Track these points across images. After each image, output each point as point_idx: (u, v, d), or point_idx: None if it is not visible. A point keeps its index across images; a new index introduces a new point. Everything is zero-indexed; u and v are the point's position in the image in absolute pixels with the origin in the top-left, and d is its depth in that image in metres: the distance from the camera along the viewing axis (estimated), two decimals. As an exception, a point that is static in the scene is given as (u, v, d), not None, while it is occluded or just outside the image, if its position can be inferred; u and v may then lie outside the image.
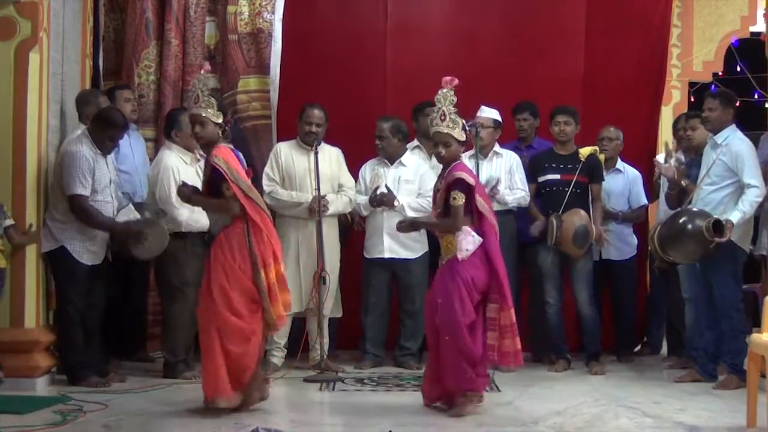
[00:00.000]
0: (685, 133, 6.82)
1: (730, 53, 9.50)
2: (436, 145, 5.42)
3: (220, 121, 5.38)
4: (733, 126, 6.22)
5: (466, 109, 6.94)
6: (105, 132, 5.91)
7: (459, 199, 5.29)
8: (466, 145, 5.66)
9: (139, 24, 7.25)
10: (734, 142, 6.13)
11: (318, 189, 6.42)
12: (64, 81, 6.31)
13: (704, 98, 6.48)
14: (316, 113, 6.62)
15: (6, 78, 5.80)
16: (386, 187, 6.71)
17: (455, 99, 5.37)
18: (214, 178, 5.33)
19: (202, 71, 5.64)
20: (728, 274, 6.14)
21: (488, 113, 6.85)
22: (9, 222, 5.63)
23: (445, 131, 5.34)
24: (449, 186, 5.32)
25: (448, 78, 5.37)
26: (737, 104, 10.14)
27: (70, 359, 5.94)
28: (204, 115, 5.32)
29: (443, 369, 5.33)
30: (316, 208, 6.43)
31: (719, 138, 6.17)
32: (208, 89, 5.54)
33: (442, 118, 5.34)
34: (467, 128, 5.49)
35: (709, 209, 6.05)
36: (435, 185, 5.61)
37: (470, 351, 5.26)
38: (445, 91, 5.36)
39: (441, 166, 5.53)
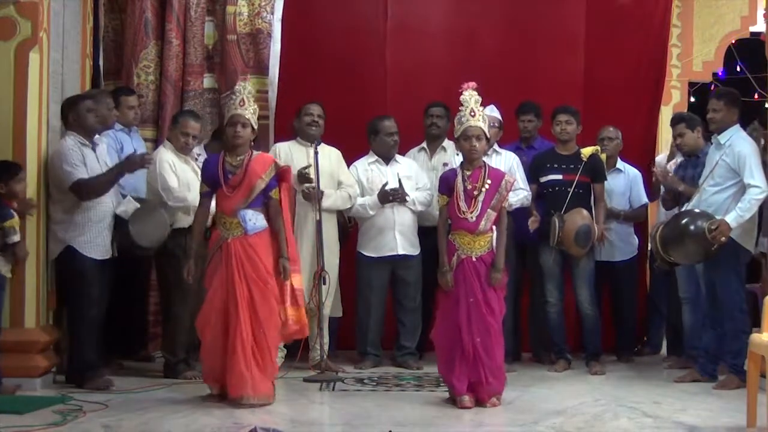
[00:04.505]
0: (675, 142, 6.83)
1: (730, 53, 9.50)
2: (468, 138, 5.55)
3: (255, 126, 5.72)
4: (737, 126, 6.20)
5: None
6: (80, 108, 5.91)
7: (510, 201, 5.94)
8: (491, 143, 6.04)
9: (138, 24, 7.25)
10: (737, 142, 6.10)
11: (317, 182, 6.41)
12: (64, 81, 6.31)
13: (708, 98, 6.42)
14: (316, 107, 6.71)
15: (6, 78, 5.80)
16: (399, 182, 6.73)
17: (480, 98, 5.59)
18: (272, 183, 5.66)
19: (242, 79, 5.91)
20: (731, 274, 6.13)
21: (494, 112, 6.86)
22: (16, 238, 5.56)
23: (480, 125, 5.57)
24: (508, 187, 5.64)
25: (468, 84, 5.61)
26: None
27: (78, 360, 5.93)
28: (247, 117, 5.62)
29: (494, 370, 5.52)
30: (309, 190, 6.44)
31: (722, 138, 6.15)
32: (253, 95, 5.79)
33: (473, 114, 5.56)
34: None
35: (712, 210, 6.04)
36: (454, 182, 5.63)
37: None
38: (469, 91, 5.58)
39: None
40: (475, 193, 5.56)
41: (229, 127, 5.64)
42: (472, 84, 5.62)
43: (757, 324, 5.78)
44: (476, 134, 5.54)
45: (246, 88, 5.71)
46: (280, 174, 5.74)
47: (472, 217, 5.56)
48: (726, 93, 6.36)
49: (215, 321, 5.56)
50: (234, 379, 5.44)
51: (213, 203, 5.77)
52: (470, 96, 5.57)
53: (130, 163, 6.00)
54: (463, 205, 5.57)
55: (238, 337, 5.46)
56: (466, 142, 5.58)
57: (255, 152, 5.74)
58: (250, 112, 5.65)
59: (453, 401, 5.51)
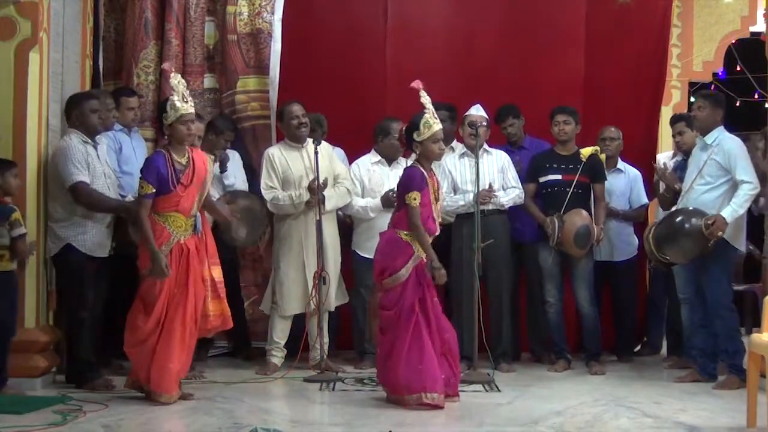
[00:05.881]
0: (675, 140, 6.88)
1: (730, 53, 9.50)
2: (438, 141, 5.65)
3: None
4: (722, 127, 6.26)
5: (466, 109, 6.96)
6: (84, 107, 5.90)
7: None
8: None
9: (138, 24, 7.24)
10: (725, 141, 6.18)
11: (317, 182, 6.40)
12: (64, 81, 6.31)
13: (695, 96, 6.56)
14: (297, 107, 6.66)
15: (6, 78, 5.80)
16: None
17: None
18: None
19: (170, 71, 5.77)
20: (720, 273, 6.16)
21: (480, 111, 6.86)
22: (21, 231, 5.56)
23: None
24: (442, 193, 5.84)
25: (417, 84, 5.70)
26: (737, 104, 10.20)
27: (77, 361, 5.92)
28: (194, 113, 5.67)
29: (455, 361, 5.62)
30: (313, 201, 6.43)
31: (709, 139, 6.22)
32: (187, 87, 5.78)
33: (435, 117, 5.65)
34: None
35: (704, 209, 6.07)
36: (428, 184, 5.64)
37: None
38: (424, 94, 5.67)
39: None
40: (436, 197, 5.66)
41: (180, 125, 5.58)
42: (420, 84, 5.67)
43: (757, 324, 5.78)
44: (443, 137, 5.68)
45: (181, 82, 5.65)
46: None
47: (438, 219, 5.68)
48: (710, 95, 6.49)
49: (160, 322, 5.51)
50: (168, 375, 5.44)
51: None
52: (426, 99, 5.63)
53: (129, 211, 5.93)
54: (435, 206, 5.65)
55: (185, 334, 5.49)
56: (435, 145, 5.62)
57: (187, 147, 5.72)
58: (193, 106, 5.66)
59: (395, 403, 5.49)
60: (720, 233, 5.92)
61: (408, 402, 5.40)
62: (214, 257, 5.74)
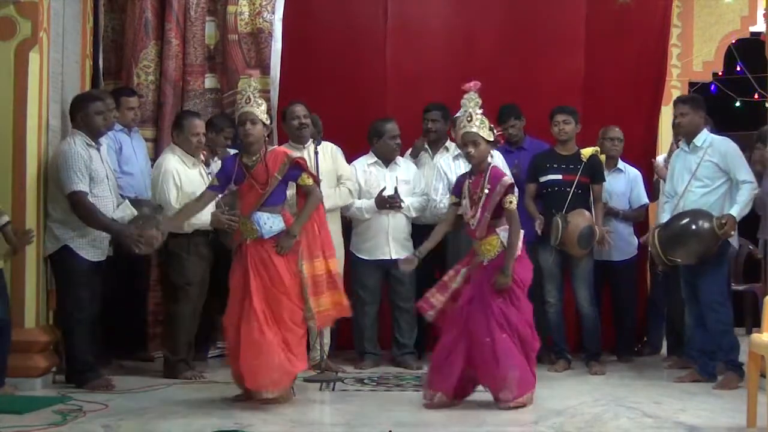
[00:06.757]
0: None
1: (730, 53, 9.50)
2: (465, 145, 5.53)
3: (267, 122, 5.65)
4: (706, 129, 6.30)
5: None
6: (90, 109, 5.90)
7: (515, 201, 5.54)
8: (496, 145, 5.99)
9: (138, 24, 7.25)
10: (717, 142, 6.22)
11: (317, 184, 6.39)
12: (64, 81, 6.31)
13: (674, 104, 6.59)
14: (299, 108, 6.67)
15: (6, 78, 5.80)
16: (395, 189, 6.73)
17: (480, 101, 5.53)
18: (291, 175, 5.58)
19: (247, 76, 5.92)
20: (718, 271, 6.20)
21: None
22: (5, 219, 5.59)
23: (474, 131, 5.48)
24: (506, 191, 5.51)
25: (469, 84, 5.53)
26: (737, 104, 10.19)
27: (76, 361, 5.92)
28: (256, 113, 5.54)
29: (499, 377, 5.41)
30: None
31: (698, 141, 6.25)
32: (258, 91, 5.75)
33: (469, 119, 5.50)
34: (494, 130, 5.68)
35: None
36: (463, 186, 5.61)
37: (534, 350, 5.58)
38: (470, 94, 5.52)
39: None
40: (475, 198, 5.54)
41: (239, 126, 5.62)
42: (475, 84, 5.53)
43: (757, 324, 5.78)
44: (472, 140, 5.48)
45: (251, 85, 5.67)
46: (299, 164, 5.64)
47: (473, 224, 5.55)
48: (690, 97, 6.56)
49: (236, 322, 5.50)
50: (247, 373, 5.41)
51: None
52: (470, 99, 5.51)
53: (125, 236, 5.77)
54: (468, 210, 5.56)
55: (250, 334, 5.39)
56: (464, 149, 5.57)
57: (270, 148, 5.70)
58: (258, 108, 5.57)
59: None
60: (732, 232, 6.01)
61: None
62: (331, 249, 5.72)
